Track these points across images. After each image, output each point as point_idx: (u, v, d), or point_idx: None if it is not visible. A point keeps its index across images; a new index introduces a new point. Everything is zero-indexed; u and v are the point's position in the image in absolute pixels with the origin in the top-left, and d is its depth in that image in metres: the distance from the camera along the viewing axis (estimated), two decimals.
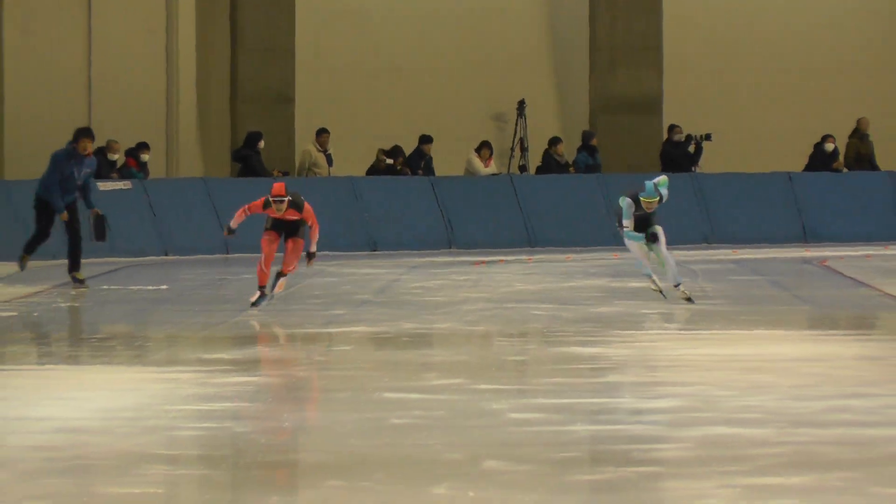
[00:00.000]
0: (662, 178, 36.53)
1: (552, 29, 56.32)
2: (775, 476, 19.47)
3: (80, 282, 44.56)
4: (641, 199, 34.58)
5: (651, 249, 35.22)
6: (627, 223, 36.09)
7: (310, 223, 34.07)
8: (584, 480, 19.98)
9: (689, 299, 33.48)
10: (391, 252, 50.13)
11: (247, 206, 32.40)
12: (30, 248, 45.52)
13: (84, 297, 40.41)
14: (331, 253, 52.87)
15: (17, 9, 50.79)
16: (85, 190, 43.81)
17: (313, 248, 35.00)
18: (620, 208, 36.68)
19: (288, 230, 33.49)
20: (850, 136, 58.34)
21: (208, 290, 40.55)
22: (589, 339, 32.24)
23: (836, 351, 28.50)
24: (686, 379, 28.03)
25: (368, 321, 36.34)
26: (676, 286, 33.38)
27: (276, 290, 32.86)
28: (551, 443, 22.24)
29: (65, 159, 43.41)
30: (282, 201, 30.98)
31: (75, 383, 26.77)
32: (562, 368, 28.88)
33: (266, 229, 33.83)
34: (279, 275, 33.66)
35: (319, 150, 54.66)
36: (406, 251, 50.26)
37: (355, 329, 34.88)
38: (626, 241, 36.53)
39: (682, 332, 34.40)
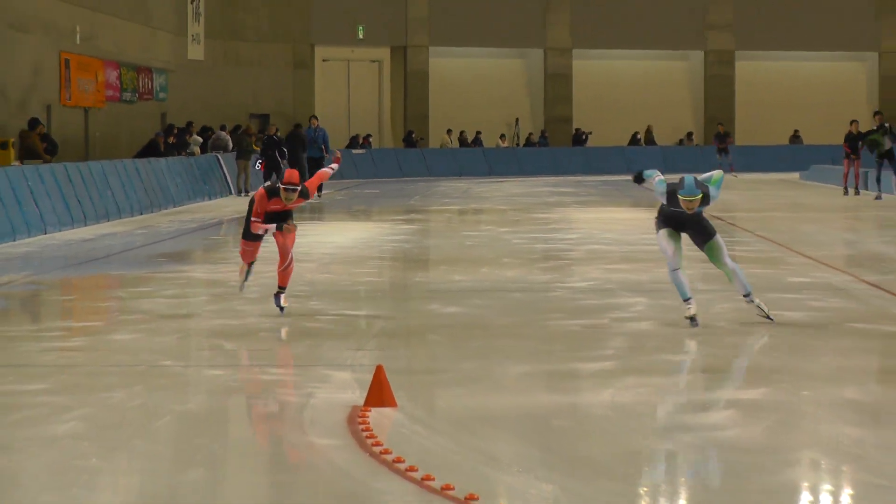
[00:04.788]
0: (717, 174, 14.06)
1: (530, 88, 54.76)
2: (620, 264, 18.87)
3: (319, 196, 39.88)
4: (680, 197, 13.14)
5: (716, 266, 13.66)
6: (656, 185, 13.16)
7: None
8: (540, 266, 19.64)
9: (767, 316, 12.98)
10: (468, 177, 48.93)
11: (255, 214, 13.34)
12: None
13: (338, 197, 41.05)
14: (446, 177, 50.15)
15: (322, 77, 49.66)
16: (324, 145, 36.44)
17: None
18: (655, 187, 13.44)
19: (279, 219, 13.79)
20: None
21: (394, 191, 39.89)
22: (545, 211, 31.21)
23: (649, 216, 27.75)
24: (583, 226, 27.27)
25: (457, 203, 35.41)
26: (746, 296, 13.50)
27: (283, 303, 13.69)
28: (530, 250, 21.78)
29: (307, 131, 37.28)
30: (294, 190, 13.41)
31: (341, 229, 26.59)
32: (534, 221, 28.02)
33: (246, 232, 13.78)
34: (280, 291, 13.80)
35: (447, 137, 53.07)
36: (471, 178, 48.55)
37: (452, 206, 33.90)
38: (658, 235, 13.41)
39: (583, 207, 33.36)
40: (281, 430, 8.80)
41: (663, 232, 12.65)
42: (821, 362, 11.26)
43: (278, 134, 36.88)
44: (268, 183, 15.26)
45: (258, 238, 13.23)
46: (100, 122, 34.10)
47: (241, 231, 13.68)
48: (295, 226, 13.27)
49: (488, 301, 15.23)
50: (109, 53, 35.07)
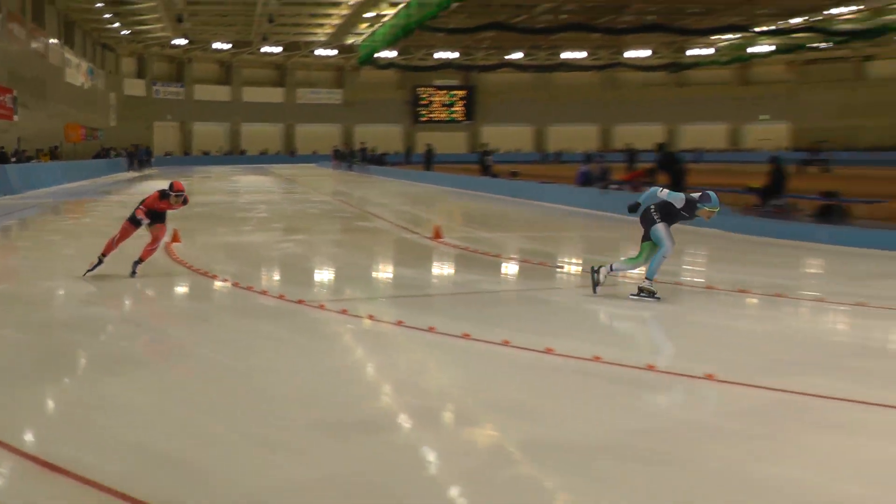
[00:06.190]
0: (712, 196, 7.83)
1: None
2: (255, 194, 21.95)
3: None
4: (705, 208, 8.06)
5: (651, 251, 8.52)
6: (655, 208, 8.40)
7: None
8: (232, 194, 22.30)
9: (648, 293, 8.65)
10: (211, 165, 50.89)
11: (143, 207, 10.17)
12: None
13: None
14: (201, 166, 46.69)
15: (156, 132, 52.16)
16: (146, 155, 39.69)
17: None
18: (673, 197, 8.27)
19: (156, 217, 10.14)
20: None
21: (179, 169, 41.26)
22: (233, 176, 32.99)
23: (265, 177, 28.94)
24: (243, 182, 29.81)
25: (209, 174, 37.02)
26: (649, 279, 8.48)
27: (136, 271, 10.18)
28: (230, 189, 24.29)
29: (139, 149, 41.45)
30: (181, 196, 10.06)
31: (165, 182, 26.58)
32: (229, 180, 30.46)
33: (132, 217, 10.11)
34: (139, 262, 10.29)
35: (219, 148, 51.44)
36: (211, 166, 50.61)
37: (209, 175, 35.72)
38: (661, 226, 8.50)
39: (243, 175, 34.72)
40: (156, 260, 9.65)
41: (664, 226, 8.35)
42: (333, 226, 13.69)
43: (137, 148, 42.81)
44: (163, 189, 9.75)
45: (138, 224, 9.55)
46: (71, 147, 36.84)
47: (128, 217, 9.51)
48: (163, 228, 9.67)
49: (219, 207, 17.13)
50: (83, 123, 39.34)
